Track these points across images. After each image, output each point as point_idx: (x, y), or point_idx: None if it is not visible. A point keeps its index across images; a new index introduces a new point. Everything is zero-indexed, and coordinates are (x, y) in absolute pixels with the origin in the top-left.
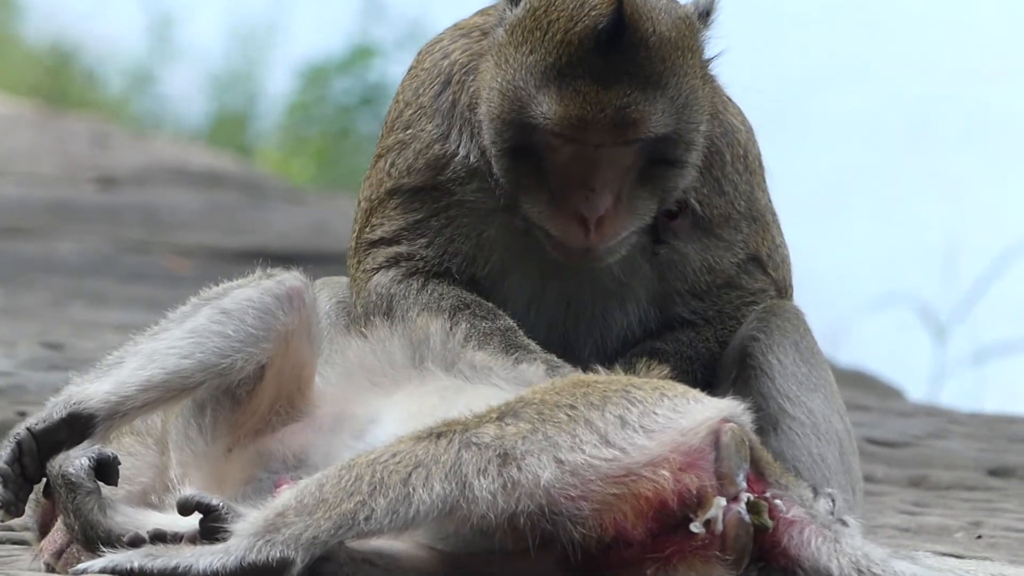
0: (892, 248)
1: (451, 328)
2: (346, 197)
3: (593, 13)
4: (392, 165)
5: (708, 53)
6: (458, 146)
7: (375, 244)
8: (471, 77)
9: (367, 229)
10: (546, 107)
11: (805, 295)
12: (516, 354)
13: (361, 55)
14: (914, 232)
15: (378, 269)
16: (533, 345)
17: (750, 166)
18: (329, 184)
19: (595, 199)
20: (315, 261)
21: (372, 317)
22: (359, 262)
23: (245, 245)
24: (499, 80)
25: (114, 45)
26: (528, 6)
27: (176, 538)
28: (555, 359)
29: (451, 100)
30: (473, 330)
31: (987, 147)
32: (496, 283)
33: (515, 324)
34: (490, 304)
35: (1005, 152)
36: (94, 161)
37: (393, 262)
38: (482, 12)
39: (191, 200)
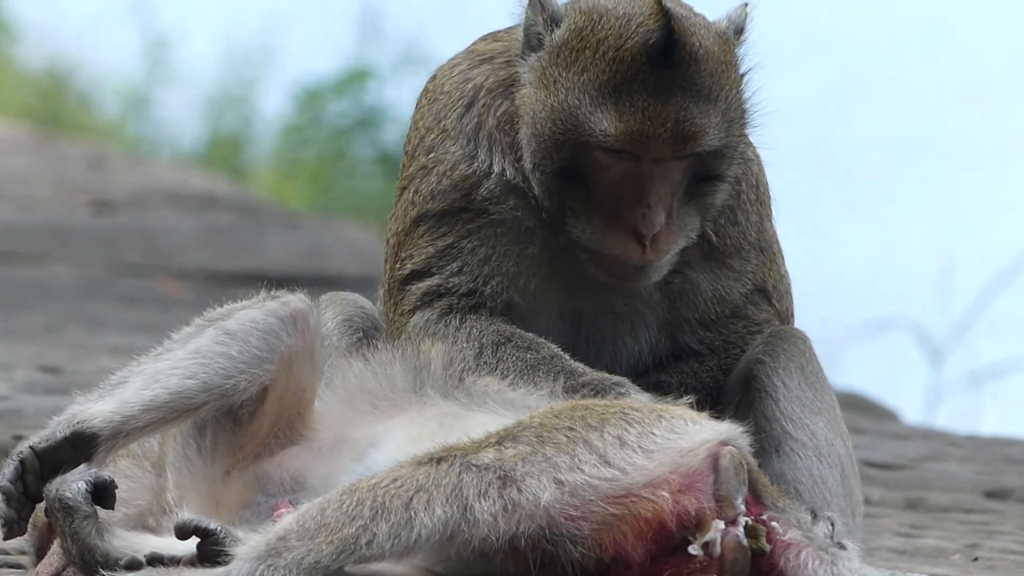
0: (887, 270)
1: (491, 361)
2: (341, 221)
3: (642, 30)
4: (416, 192)
5: (742, 69)
6: (489, 164)
7: (407, 281)
8: (498, 101)
9: (397, 265)
10: (606, 124)
11: (801, 317)
12: (563, 380)
13: (356, 77)
14: (909, 254)
15: (414, 310)
16: (581, 367)
17: (761, 197)
18: (324, 207)
19: (651, 215)
20: (311, 284)
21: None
22: (395, 305)
23: (241, 268)
24: (548, 102)
25: (109, 68)
26: (572, 27)
27: (173, 562)
28: (607, 376)
29: (476, 121)
30: (518, 362)
31: (981, 169)
32: (538, 300)
33: (558, 350)
34: (531, 335)
35: (999, 173)
36: (90, 184)
37: (427, 301)
38: (492, 37)
39: (187, 223)
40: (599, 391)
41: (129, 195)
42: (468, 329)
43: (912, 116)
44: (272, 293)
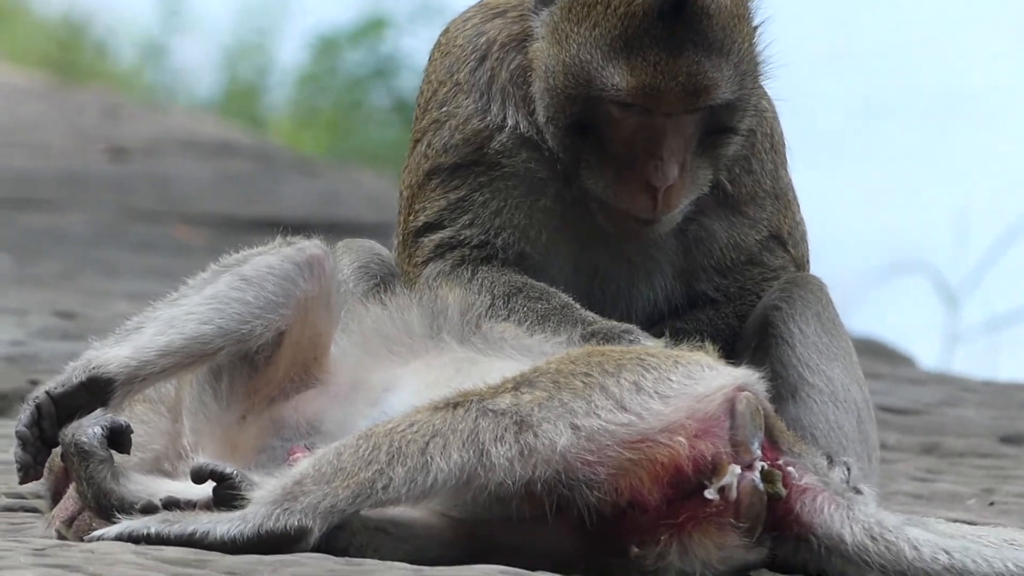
0: (903, 216)
1: (502, 312)
2: (357, 168)
3: None
4: (429, 146)
5: (755, 21)
6: (502, 118)
7: (420, 233)
8: (511, 55)
9: (411, 217)
10: (617, 78)
11: (817, 264)
12: (573, 330)
13: (373, 27)
14: (925, 200)
15: (427, 262)
16: (591, 316)
17: (775, 145)
18: (340, 155)
19: (664, 168)
20: (326, 231)
21: None
22: (409, 257)
23: (256, 216)
24: (561, 56)
25: (125, 16)
26: None
27: (189, 506)
28: (616, 324)
29: (489, 75)
30: (530, 312)
31: (999, 117)
32: (550, 252)
33: (570, 299)
34: (541, 284)
35: (1017, 121)
36: (105, 132)
37: (440, 252)
38: None
39: (202, 171)
40: (608, 339)
41: (145, 143)
42: (480, 279)
43: (932, 63)
44: (288, 239)
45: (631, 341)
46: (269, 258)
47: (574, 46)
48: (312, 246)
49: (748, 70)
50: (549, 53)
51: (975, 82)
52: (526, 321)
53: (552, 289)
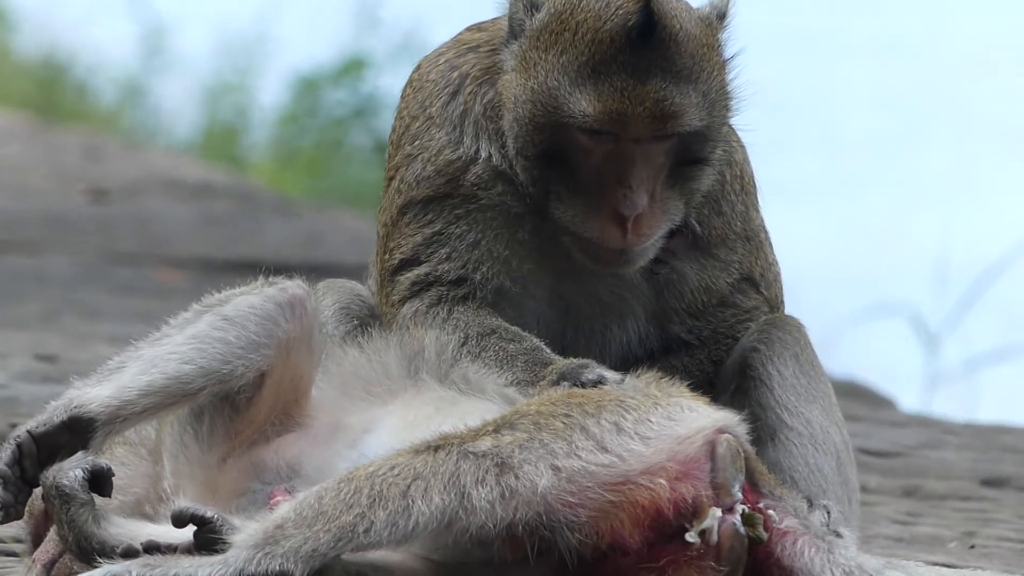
0: (882, 258)
1: (474, 351)
2: (338, 209)
3: (621, 12)
4: (402, 181)
5: (726, 54)
6: (475, 150)
7: (397, 271)
8: (484, 89)
9: (386, 256)
10: (584, 104)
11: (796, 305)
12: (540, 371)
13: (353, 66)
14: (904, 242)
15: (403, 301)
16: (559, 360)
17: (746, 186)
18: (322, 196)
19: (633, 197)
20: (307, 272)
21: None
22: (386, 296)
23: (238, 257)
24: (529, 85)
25: (106, 57)
26: (551, 10)
27: (170, 549)
28: (573, 360)
29: (462, 109)
30: (500, 351)
31: (977, 157)
32: (528, 286)
33: (540, 343)
34: (515, 328)
35: (995, 161)
36: (86, 173)
37: (416, 291)
38: (477, 28)
39: (184, 212)
40: (567, 375)
41: (125, 184)
42: (455, 320)
43: (910, 102)
44: (270, 279)
45: (588, 375)
46: (251, 298)
47: (542, 74)
48: (294, 286)
49: (717, 99)
50: (517, 82)
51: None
52: (495, 360)
53: (525, 333)
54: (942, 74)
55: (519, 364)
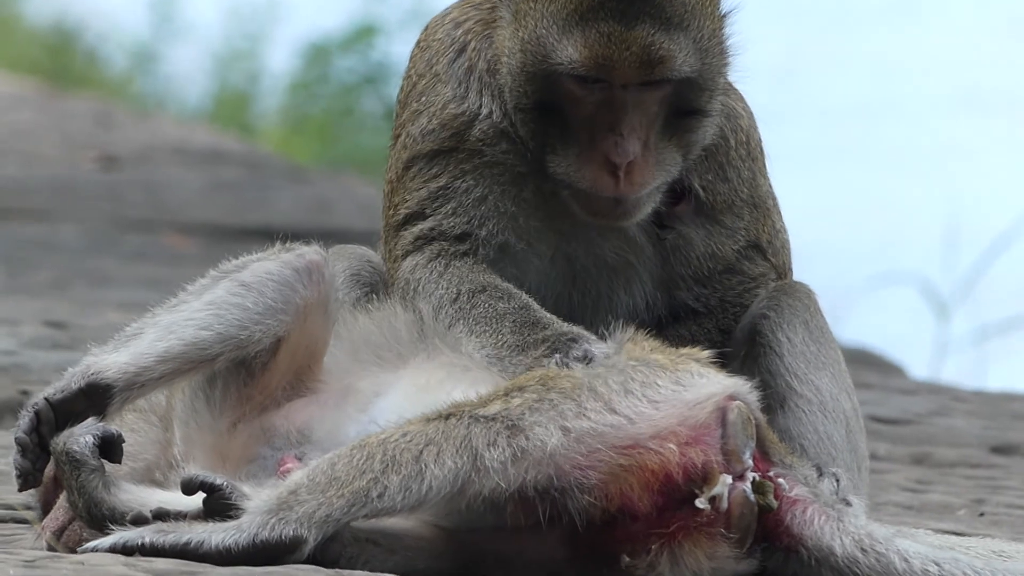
0: (893, 226)
1: (465, 307)
2: (349, 176)
3: None
4: (408, 136)
5: (723, 7)
6: (479, 106)
7: (401, 226)
8: (486, 44)
9: (391, 212)
10: (571, 51)
11: (807, 273)
12: (528, 333)
13: (363, 33)
14: (915, 210)
15: (405, 255)
16: (547, 319)
17: (752, 152)
18: (332, 162)
19: (624, 144)
20: (318, 239)
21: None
22: (389, 252)
23: (248, 223)
24: (519, 36)
25: (116, 24)
26: None
27: (180, 516)
28: (567, 330)
29: (467, 65)
30: (490, 309)
31: (988, 125)
32: (533, 243)
33: (530, 300)
34: (506, 285)
35: (1006, 130)
36: (96, 140)
37: (418, 245)
38: None
39: (194, 179)
40: (555, 347)
41: (136, 151)
42: (450, 275)
43: (922, 70)
44: (287, 245)
45: (577, 348)
46: (268, 264)
47: (531, 23)
48: (311, 252)
49: (711, 49)
50: (511, 35)
51: (967, 87)
52: (484, 318)
53: (516, 290)
54: (953, 41)
55: (507, 324)
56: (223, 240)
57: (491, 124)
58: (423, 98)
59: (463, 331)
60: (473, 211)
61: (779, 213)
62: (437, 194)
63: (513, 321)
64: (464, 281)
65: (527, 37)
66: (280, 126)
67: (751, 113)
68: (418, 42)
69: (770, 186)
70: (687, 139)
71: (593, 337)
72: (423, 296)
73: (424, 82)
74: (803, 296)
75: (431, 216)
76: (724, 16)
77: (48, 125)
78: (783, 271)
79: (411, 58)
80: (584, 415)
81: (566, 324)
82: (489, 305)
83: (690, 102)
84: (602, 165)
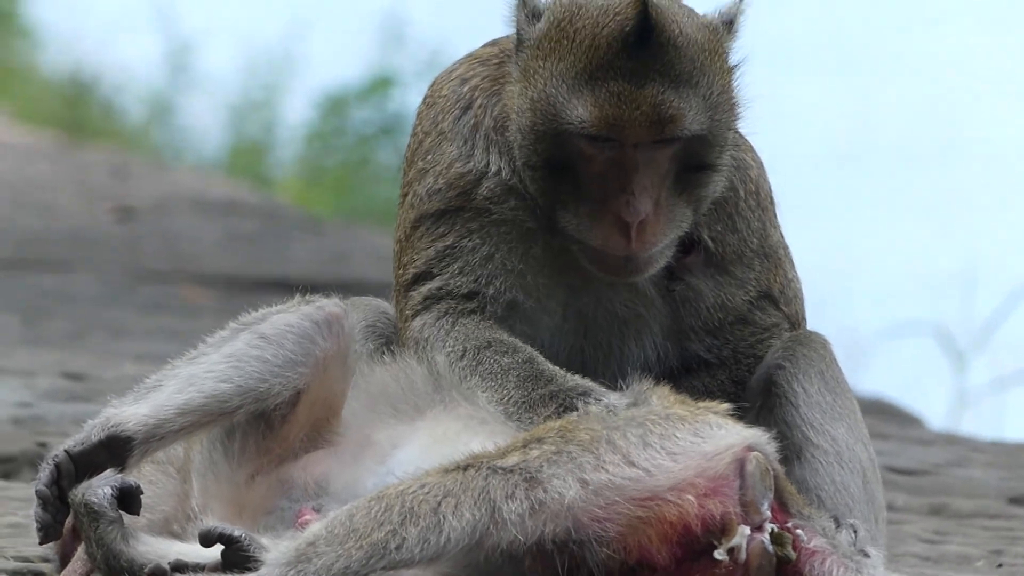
0: (911, 275)
1: (471, 364)
2: (365, 227)
3: (619, 17)
4: (415, 195)
5: (732, 61)
6: (485, 164)
7: (411, 286)
8: (493, 100)
9: (400, 272)
10: (581, 110)
11: (823, 322)
12: (532, 388)
13: (380, 84)
14: (933, 259)
15: (415, 315)
16: (552, 372)
17: (762, 202)
18: (348, 214)
19: (635, 203)
20: (334, 290)
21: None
22: (400, 311)
23: (264, 275)
24: (528, 94)
25: (132, 75)
26: (551, 19)
27: (198, 569)
28: (577, 384)
29: (473, 123)
30: (494, 366)
31: (1007, 174)
32: (542, 300)
33: (534, 354)
34: (511, 339)
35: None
36: (113, 191)
37: (427, 304)
38: (492, 43)
39: (210, 230)
40: (564, 404)
41: (152, 202)
42: (457, 333)
43: (940, 118)
44: (306, 297)
45: (587, 403)
46: (288, 316)
47: (541, 82)
48: (330, 304)
49: (720, 104)
50: (519, 92)
51: (981, 136)
52: (489, 374)
53: (522, 344)
54: (973, 90)
55: (511, 379)
56: (240, 292)
57: (498, 181)
58: (429, 156)
59: (474, 386)
60: (480, 269)
61: (791, 262)
62: (444, 253)
63: (518, 375)
64: (470, 338)
65: (536, 96)
66: (296, 177)
67: (760, 163)
68: (424, 99)
69: (781, 235)
70: (697, 194)
71: (603, 389)
72: (433, 355)
73: (430, 140)
74: (818, 346)
75: (439, 275)
76: (732, 69)
77: (65, 176)
78: (796, 321)
79: (417, 115)
80: (602, 467)
81: (573, 377)
82: (494, 361)
83: (700, 158)
84: (613, 223)
